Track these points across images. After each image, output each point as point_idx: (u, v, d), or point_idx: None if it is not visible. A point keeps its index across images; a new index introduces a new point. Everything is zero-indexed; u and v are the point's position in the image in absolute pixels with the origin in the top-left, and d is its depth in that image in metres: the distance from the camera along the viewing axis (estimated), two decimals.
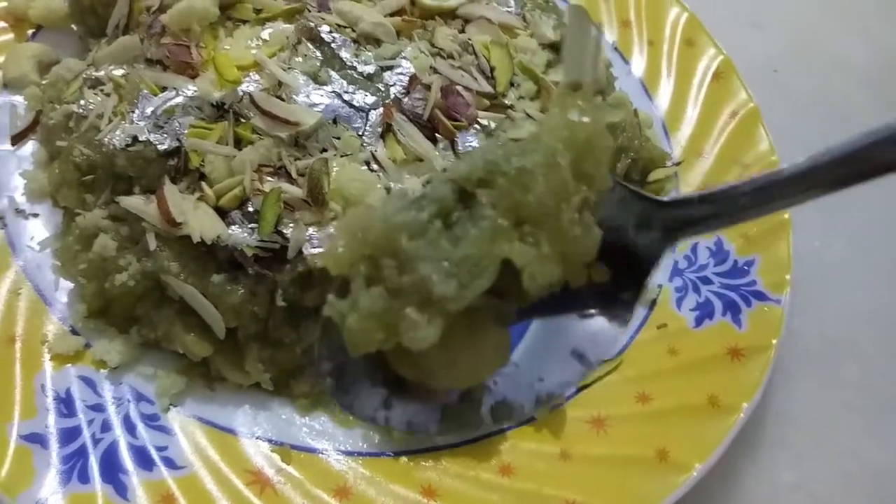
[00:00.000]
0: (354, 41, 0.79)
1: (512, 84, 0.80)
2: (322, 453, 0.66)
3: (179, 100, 0.72)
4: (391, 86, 0.76)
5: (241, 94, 0.72)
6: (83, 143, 0.72)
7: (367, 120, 0.73)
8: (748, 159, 0.87)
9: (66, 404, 0.64)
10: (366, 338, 0.54)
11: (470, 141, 0.74)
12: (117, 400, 0.66)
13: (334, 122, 0.72)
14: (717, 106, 0.92)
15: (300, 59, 0.76)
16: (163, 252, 0.67)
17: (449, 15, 0.85)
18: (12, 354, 0.66)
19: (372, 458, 0.66)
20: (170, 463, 0.63)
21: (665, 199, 0.62)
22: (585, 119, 0.56)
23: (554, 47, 0.86)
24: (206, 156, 0.69)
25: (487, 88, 0.78)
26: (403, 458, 0.66)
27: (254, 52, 0.75)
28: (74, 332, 0.69)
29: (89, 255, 0.68)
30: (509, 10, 0.88)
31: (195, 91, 0.72)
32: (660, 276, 0.78)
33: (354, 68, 0.77)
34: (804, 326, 0.85)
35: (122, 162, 0.70)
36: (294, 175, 0.69)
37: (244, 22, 0.80)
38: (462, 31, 0.84)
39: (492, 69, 0.79)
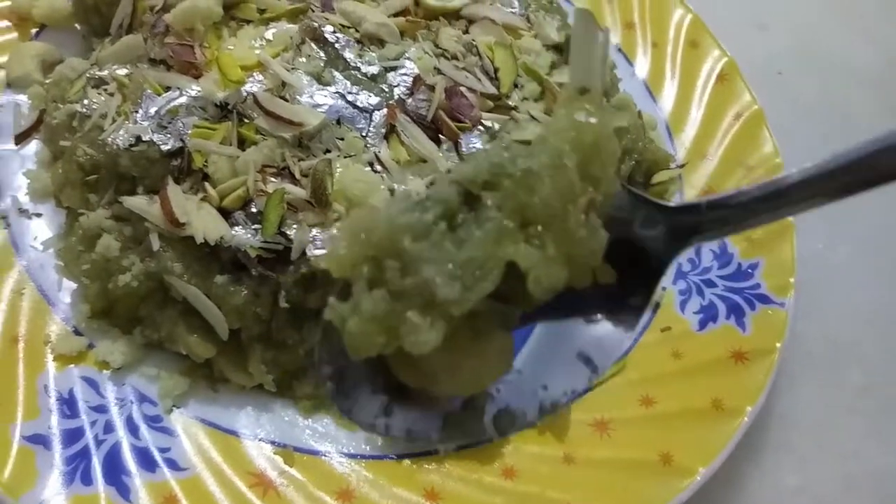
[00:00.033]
0: (358, 41, 0.79)
1: (516, 85, 0.80)
2: (325, 456, 0.66)
3: (183, 100, 0.72)
4: (395, 86, 0.76)
5: (244, 94, 0.71)
6: (87, 143, 0.72)
7: (371, 121, 0.73)
8: (752, 161, 0.87)
9: (69, 405, 0.64)
10: (367, 341, 0.53)
11: (474, 142, 0.74)
12: (120, 401, 0.66)
13: (338, 122, 0.72)
14: (721, 108, 0.92)
15: (304, 59, 0.76)
16: (166, 253, 0.67)
17: (453, 15, 0.85)
18: (15, 355, 0.66)
19: (375, 460, 0.66)
20: (173, 464, 0.63)
21: (672, 204, 0.62)
22: (592, 120, 0.56)
23: (558, 48, 0.86)
24: (209, 156, 0.69)
25: (491, 90, 0.77)
26: (406, 461, 0.66)
27: (257, 52, 0.75)
28: (77, 332, 0.69)
29: (93, 256, 0.68)
30: (513, 10, 0.87)
31: (199, 91, 0.72)
32: (664, 279, 0.77)
33: (358, 69, 0.76)
34: (808, 329, 0.85)
35: (126, 162, 0.70)
36: (297, 176, 0.68)
37: (248, 22, 0.80)
38: (466, 31, 0.84)
39: (496, 70, 0.79)
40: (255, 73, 0.73)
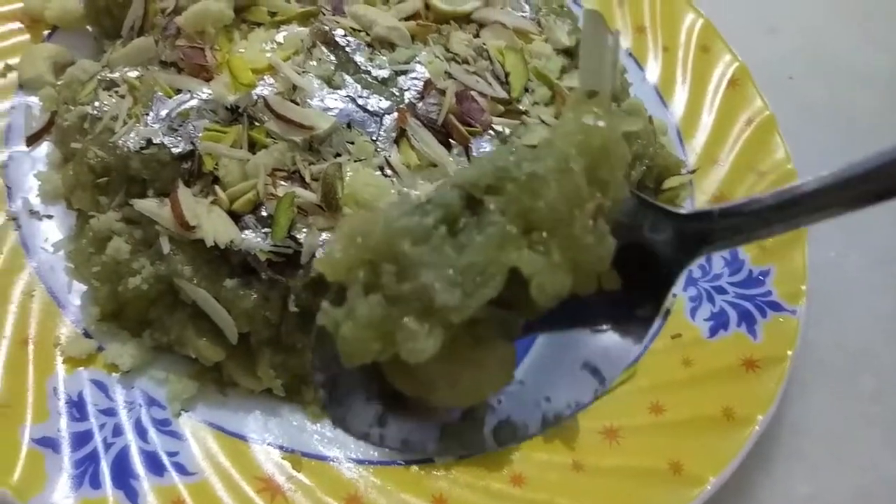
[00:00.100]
0: (369, 45, 0.79)
1: (526, 90, 0.79)
2: (333, 461, 0.65)
3: (194, 102, 0.72)
4: (406, 90, 0.76)
5: (255, 97, 0.71)
6: (97, 145, 0.72)
7: (382, 125, 0.73)
8: (764, 167, 0.86)
9: (78, 408, 0.64)
10: (361, 348, 0.51)
11: (484, 147, 0.73)
12: (129, 404, 0.66)
13: (348, 126, 0.72)
14: (732, 113, 0.91)
15: (315, 62, 0.76)
16: (176, 256, 0.67)
17: (464, 19, 0.85)
18: (25, 357, 0.66)
19: (383, 466, 0.65)
20: (181, 469, 0.62)
21: (683, 211, 0.60)
22: (601, 123, 0.55)
23: (569, 53, 0.86)
24: (220, 159, 0.69)
25: (502, 94, 0.77)
26: (414, 467, 0.65)
27: (268, 55, 0.75)
28: (87, 334, 0.69)
29: (103, 258, 0.68)
30: (524, 14, 0.87)
31: (210, 94, 0.72)
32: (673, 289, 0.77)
33: (369, 72, 0.76)
34: (819, 337, 0.84)
35: (136, 164, 0.70)
36: (308, 179, 0.68)
37: (259, 25, 0.80)
38: (477, 35, 0.83)
39: (506, 74, 0.79)
40: (265, 77, 0.73)
